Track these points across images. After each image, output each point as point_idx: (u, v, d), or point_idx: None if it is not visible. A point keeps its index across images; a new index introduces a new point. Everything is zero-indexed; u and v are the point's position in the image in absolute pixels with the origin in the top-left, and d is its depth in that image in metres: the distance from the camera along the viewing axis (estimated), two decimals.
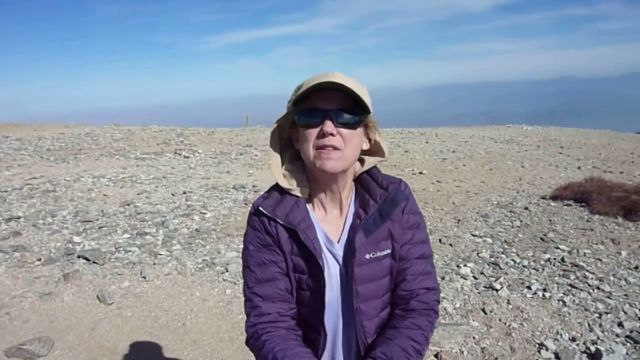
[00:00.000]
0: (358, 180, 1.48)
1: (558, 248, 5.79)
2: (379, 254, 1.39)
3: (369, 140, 1.44)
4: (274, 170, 1.45)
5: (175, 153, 12.00)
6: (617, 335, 3.69)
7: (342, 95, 1.30)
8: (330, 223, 1.45)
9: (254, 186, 8.51)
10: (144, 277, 4.35)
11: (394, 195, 1.40)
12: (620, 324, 3.86)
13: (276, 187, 1.45)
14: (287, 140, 1.48)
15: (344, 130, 1.31)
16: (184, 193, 7.72)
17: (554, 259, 5.37)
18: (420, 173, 10.70)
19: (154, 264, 4.68)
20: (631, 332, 3.74)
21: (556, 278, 4.80)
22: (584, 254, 5.61)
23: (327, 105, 1.31)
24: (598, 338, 3.61)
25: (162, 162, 10.93)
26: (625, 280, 4.87)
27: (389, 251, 1.41)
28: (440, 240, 5.93)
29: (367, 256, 1.38)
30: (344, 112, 1.31)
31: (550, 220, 7.13)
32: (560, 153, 15.91)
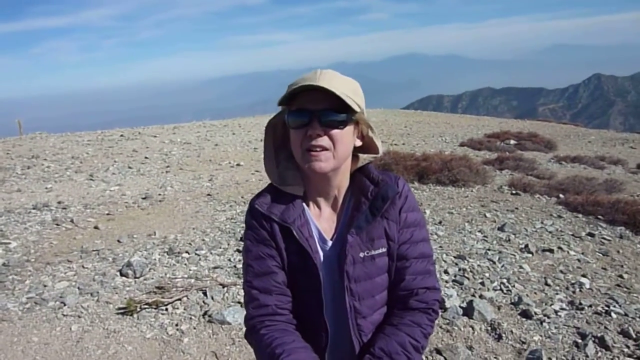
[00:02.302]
0: (353, 177, 1.47)
1: None
2: (373, 252, 1.39)
3: (363, 137, 1.43)
4: (266, 169, 1.43)
5: None
6: (447, 282, 4.40)
7: (329, 95, 1.28)
8: (325, 221, 1.44)
9: (59, 202, 7.44)
10: None
11: (384, 191, 1.40)
12: (446, 272, 4.60)
13: (272, 185, 1.44)
14: (281, 138, 1.44)
15: (330, 130, 1.31)
16: None
17: None
18: (238, 165, 10.76)
19: None
20: (455, 276, 4.50)
21: None
22: None
23: (314, 105, 1.30)
24: None
25: None
26: (437, 234, 5.78)
27: (384, 250, 1.41)
28: None
29: (361, 254, 1.38)
30: (331, 112, 1.30)
31: None
32: None
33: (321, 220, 1.44)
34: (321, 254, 1.41)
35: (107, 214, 6.80)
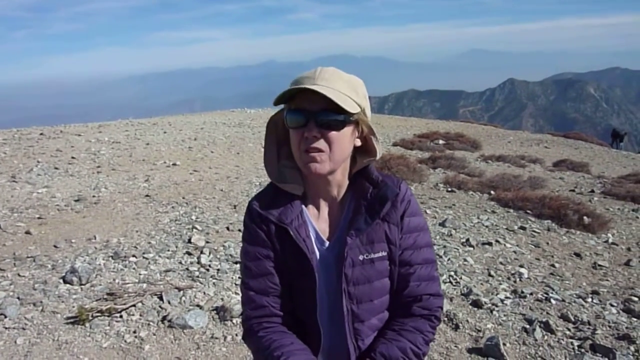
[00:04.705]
0: (354, 179, 1.44)
1: None
2: (373, 255, 1.36)
3: (364, 138, 1.39)
4: (265, 166, 1.42)
5: None
6: None
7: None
8: (323, 222, 1.42)
9: None
10: None
11: (383, 192, 1.37)
12: None
13: (271, 186, 1.42)
14: (283, 136, 1.40)
15: (328, 132, 1.27)
16: None
17: None
18: (174, 164, 10.42)
19: None
20: None
21: None
22: None
23: (312, 106, 1.26)
24: None
25: None
26: None
27: (384, 253, 1.38)
28: (227, 228, 6.02)
29: (361, 257, 1.35)
30: (328, 113, 1.26)
31: None
32: None
33: (319, 222, 1.42)
34: (318, 255, 1.39)
35: (39, 218, 6.34)
